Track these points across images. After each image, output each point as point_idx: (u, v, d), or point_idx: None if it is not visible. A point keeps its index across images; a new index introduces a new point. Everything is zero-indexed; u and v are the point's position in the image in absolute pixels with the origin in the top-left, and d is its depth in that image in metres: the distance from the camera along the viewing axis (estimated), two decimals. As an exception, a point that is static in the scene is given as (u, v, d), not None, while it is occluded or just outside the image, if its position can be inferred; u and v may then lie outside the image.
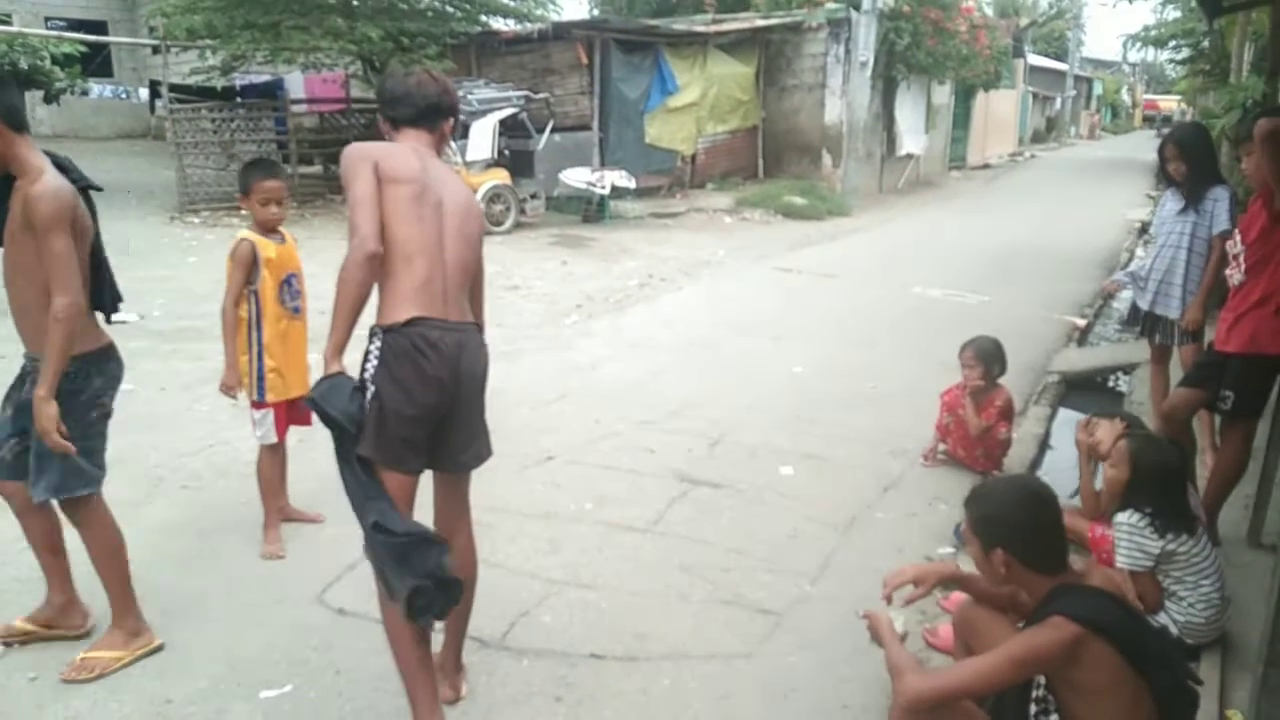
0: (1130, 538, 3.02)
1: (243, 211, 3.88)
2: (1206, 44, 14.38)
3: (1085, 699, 2.15)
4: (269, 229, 3.79)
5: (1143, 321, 4.93)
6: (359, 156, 2.56)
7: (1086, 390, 6.59)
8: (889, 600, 2.57)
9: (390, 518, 2.47)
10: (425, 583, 2.43)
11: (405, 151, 2.64)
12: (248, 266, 3.69)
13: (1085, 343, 7.96)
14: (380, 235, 2.47)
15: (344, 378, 2.51)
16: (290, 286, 3.82)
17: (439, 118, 2.76)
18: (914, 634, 3.25)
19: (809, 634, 3.29)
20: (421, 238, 2.56)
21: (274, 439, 3.86)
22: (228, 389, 3.78)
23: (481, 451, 2.81)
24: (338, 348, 2.51)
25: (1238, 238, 3.80)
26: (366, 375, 2.54)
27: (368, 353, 2.55)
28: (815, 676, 3.06)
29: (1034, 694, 2.28)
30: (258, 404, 3.83)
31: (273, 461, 3.91)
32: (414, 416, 2.53)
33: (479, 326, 2.76)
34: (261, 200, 3.72)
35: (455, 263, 2.64)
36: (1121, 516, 3.07)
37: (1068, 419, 6.05)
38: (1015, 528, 2.28)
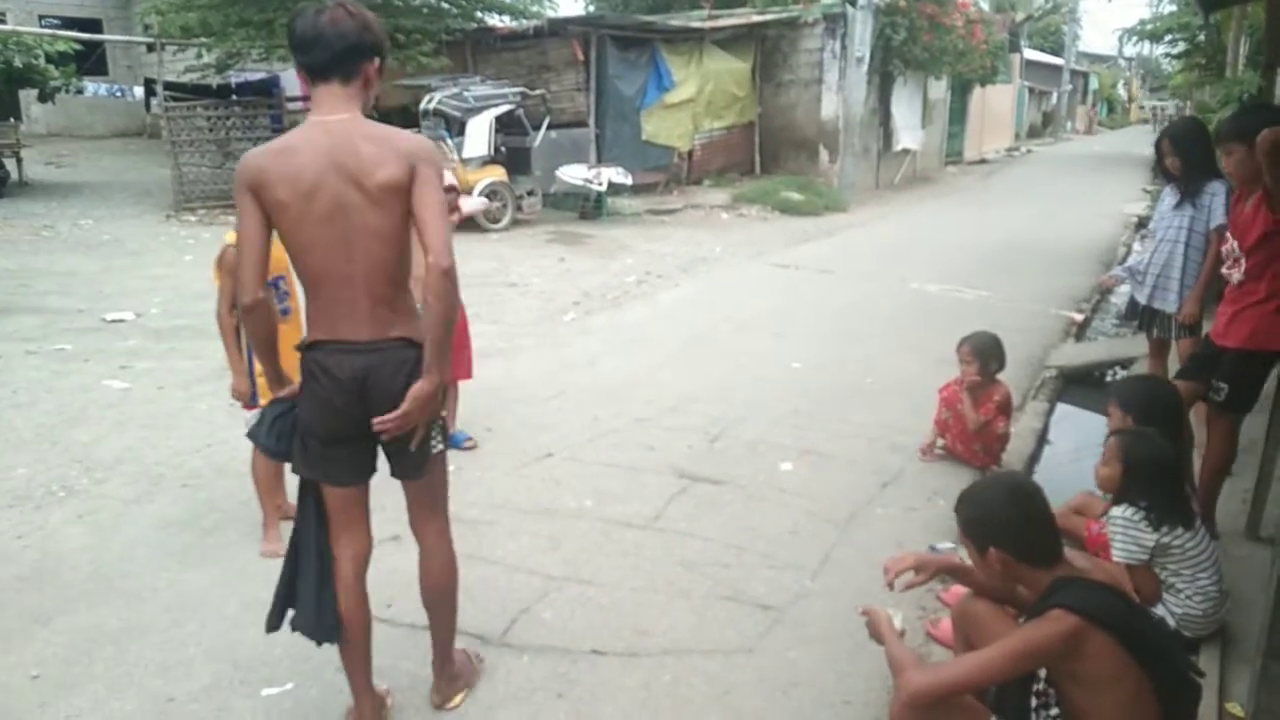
0: (1125, 531, 3.03)
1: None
2: (1202, 38, 14.41)
3: (1086, 691, 2.15)
4: None
5: (1141, 316, 4.94)
6: (239, 185, 2.35)
7: (1084, 385, 6.59)
8: (891, 586, 2.58)
9: (300, 553, 2.58)
10: (302, 623, 2.58)
11: (289, 155, 2.33)
12: (235, 272, 3.67)
13: (1083, 337, 7.98)
14: (262, 281, 2.40)
15: (269, 408, 2.61)
16: (278, 289, 3.79)
17: (359, 59, 2.37)
18: (914, 629, 3.26)
19: (809, 629, 3.30)
20: (320, 260, 2.37)
21: None
22: (238, 394, 3.77)
23: (416, 466, 2.58)
24: (271, 379, 2.61)
25: (1234, 242, 3.79)
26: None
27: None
28: (816, 671, 3.06)
29: (1035, 687, 2.29)
30: (250, 405, 3.83)
31: (267, 460, 3.90)
32: (323, 437, 2.49)
33: (406, 340, 2.46)
34: None
35: (366, 271, 2.38)
36: (1116, 511, 3.07)
37: (1066, 414, 6.07)
38: (1005, 525, 2.30)
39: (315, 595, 2.53)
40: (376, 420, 2.39)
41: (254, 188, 2.33)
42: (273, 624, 2.61)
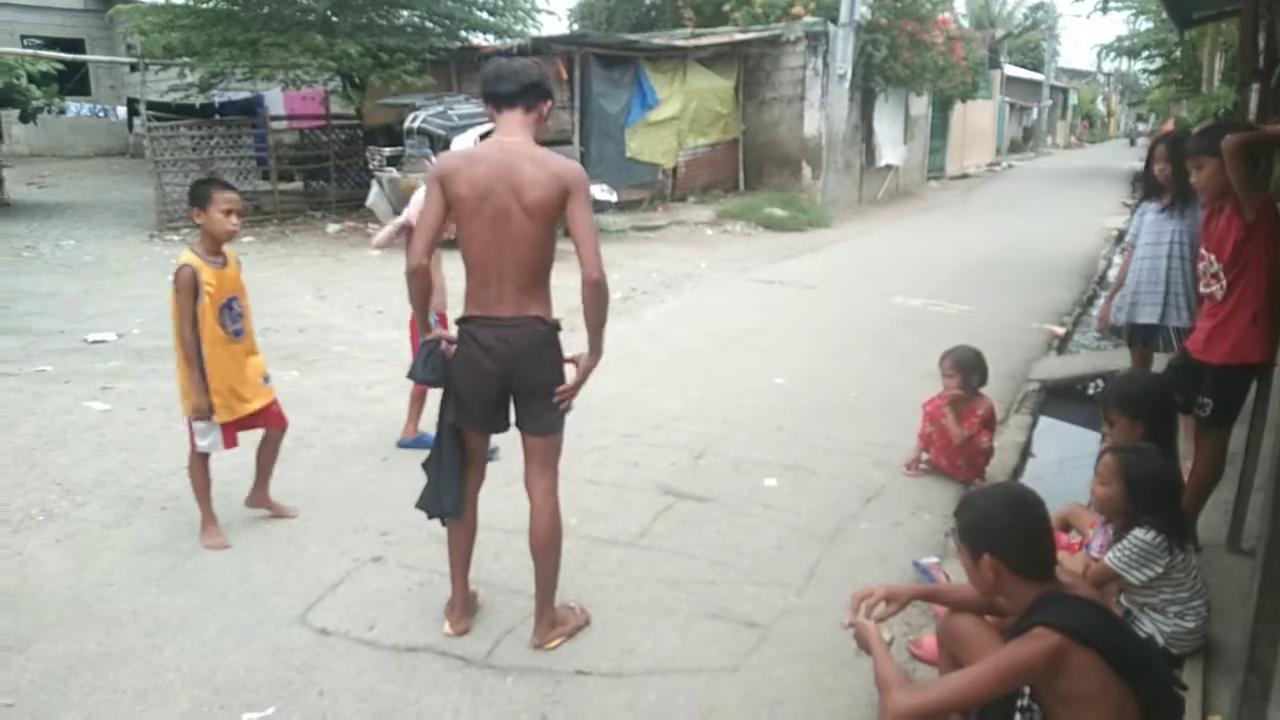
0: (1144, 555, 2.92)
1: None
2: (1179, 54, 14.61)
3: (1071, 708, 2.15)
4: (218, 246, 3.86)
5: (1130, 335, 4.90)
6: (432, 175, 2.98)
7: (1067, 398, 6.63)
8: (854, 625, 2.55)
9: (436, 459, 3.21)
10: (424, 504, 3.27)
11: (474, 162, 2.95)
12: (193, 291, 3.74)
13: (1065, 351, 8.03)
14: (428, 251, 2.99)
15: (423, 348, 3.17)
16: (231, 310, 3.89)
17: (538, 97, 3.06)
18: (897, 646, 3.25)
19: (795, 646, 3.29)
20: (478, 249, 2.97)
21: (220, 449, 3.98)
22: (199, 414, 3.85)
23: (539, 423, 3.14)
24: (422, 327, 3.19)
25: (1211, 257, 3.80)
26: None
27: None
28: (801, 689, 3.05)
29: (1019, 704, 2.29)
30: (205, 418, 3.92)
31: (203, 466, 4.02)
32: (468, 392, 3.08)
33: (539, 319, 3.02)
34: (224, 210, 3.78)
35: (512, 264, 2.96)
36: (1139, 533, 2.93)
37: (1049, 427, 6.10)
38: (1003, 533, 2.28)
39: (435, 487, 3.21)
40: (559, 390, 3.07)
41: (443, 179, 2.94)
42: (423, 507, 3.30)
